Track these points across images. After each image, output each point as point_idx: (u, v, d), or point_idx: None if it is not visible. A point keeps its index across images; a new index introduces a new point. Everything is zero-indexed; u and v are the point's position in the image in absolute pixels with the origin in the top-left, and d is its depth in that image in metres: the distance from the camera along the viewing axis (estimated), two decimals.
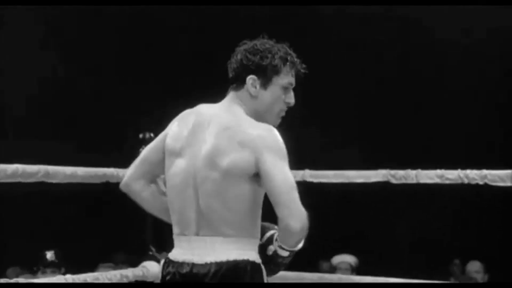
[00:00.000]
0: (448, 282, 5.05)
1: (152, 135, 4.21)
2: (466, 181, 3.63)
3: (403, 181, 3.77)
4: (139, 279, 3.98)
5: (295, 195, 2.26)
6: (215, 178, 2.32)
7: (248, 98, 2.40)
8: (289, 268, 2.71)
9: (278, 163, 2.28)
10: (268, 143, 2.30)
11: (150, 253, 4.23)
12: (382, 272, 3.90)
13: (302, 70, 2.43)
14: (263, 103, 2.39)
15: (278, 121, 2.43)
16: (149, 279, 4.03)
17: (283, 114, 2.43)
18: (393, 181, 3.79)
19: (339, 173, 3.88)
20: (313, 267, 5.97)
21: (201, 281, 2.33)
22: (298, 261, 2.66)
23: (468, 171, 3.62)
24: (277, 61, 2.38)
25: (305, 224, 2.26)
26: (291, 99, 2.42)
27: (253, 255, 2.36)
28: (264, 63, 2.37)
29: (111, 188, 3.76)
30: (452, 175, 3.65)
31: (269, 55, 2.37)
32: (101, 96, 6.59)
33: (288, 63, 2.40)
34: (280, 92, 2.39)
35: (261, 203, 2.37)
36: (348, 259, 5.69)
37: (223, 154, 2.31)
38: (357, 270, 5.66)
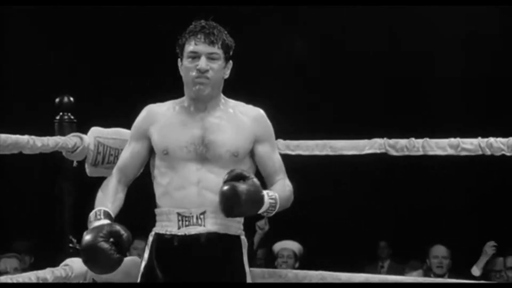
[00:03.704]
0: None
1: (71, 99, 3.31)
2: (488, 152, 2.88)
3: (406, 152, 2.98)
4: (61, 281, 3.04)
5: None
6: None
7: None
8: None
9: None
10: None
11: (71, 245, 3.26)
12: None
13: (201, 36, 2.57)
14: (183, 76, 2.63)
15: (197, 88, 2.58)
16: (73, 280, 3.10)
17: (201, 81, 2.57)
18: (393, 152, 2.99)
19: (323, 143, 3.05)
20: None
21: None
22: None
23: (492, 139, 2.87)
24: (183, 37, 2.62)
25: None
26: (200, 65, 2.56)
27: None
28: (178, 44, 2.63)
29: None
30: (471, 145, 2.89)
31: (182, 35, 2.62)
32: None
33: (188, 34, 2.60)
34: (188, 61, 2.59)
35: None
36: (292, 245, 4.89)
37: None
38: (301, 260, 4.87)
